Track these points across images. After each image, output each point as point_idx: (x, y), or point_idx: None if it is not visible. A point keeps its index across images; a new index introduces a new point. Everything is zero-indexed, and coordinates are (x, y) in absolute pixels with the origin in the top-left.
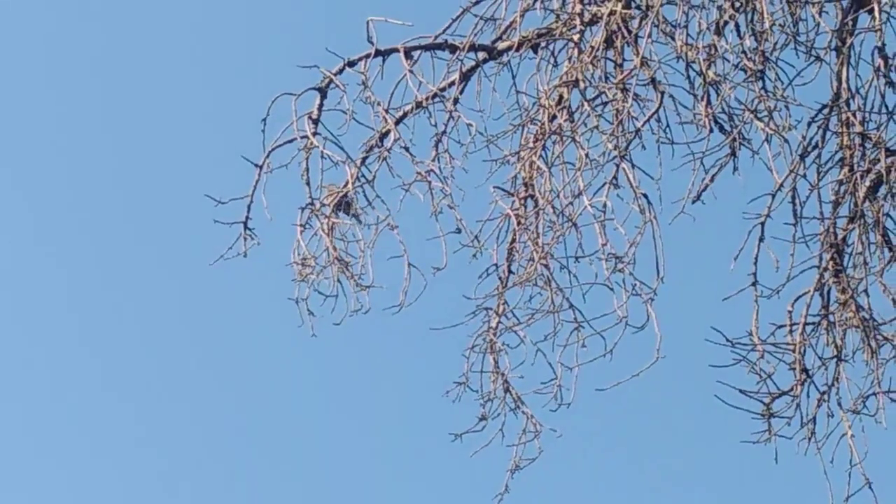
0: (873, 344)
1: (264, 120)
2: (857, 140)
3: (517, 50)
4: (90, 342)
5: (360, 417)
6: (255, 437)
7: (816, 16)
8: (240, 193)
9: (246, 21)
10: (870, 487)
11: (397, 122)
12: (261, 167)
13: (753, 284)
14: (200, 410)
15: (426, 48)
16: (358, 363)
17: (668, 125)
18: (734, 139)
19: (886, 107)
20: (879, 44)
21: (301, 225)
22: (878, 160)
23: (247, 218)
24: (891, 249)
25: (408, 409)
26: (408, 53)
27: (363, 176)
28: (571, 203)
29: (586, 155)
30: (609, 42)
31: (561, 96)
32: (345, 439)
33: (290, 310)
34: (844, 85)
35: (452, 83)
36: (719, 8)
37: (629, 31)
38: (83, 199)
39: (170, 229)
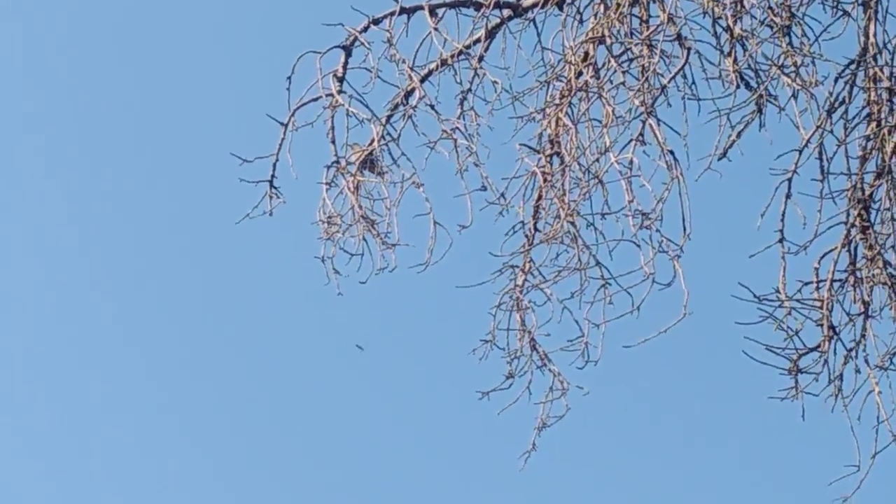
0: None
1: (289, 78)
2: (885, 95)
3: (542, 6)
4: (115, 304)
5: (386, 376)
6: (282, 398)
7: None
8: (265, 152)
9: None
10: None
11: (422, 80)
12: (286, 125)
13: (780, 241)
14: (227, 371)
15: (451, 5)
16: (384, 322)
17: (694, 81)
18: (760, 95)
19: None
20: None
21: (327, 183)
22: None
23: (272, 176)
24: None
25: (434, 367)
26: (432, 11)
27: (388, 134)
28: (598, 160)
29: (612, 111)
30: None
31: (587, 53)
32: (372, 399)
33: (316, 268)
34: (872, 40)
35: (477, 40)
36: None
37: None
38: (109, 161)
39: (196, 188)
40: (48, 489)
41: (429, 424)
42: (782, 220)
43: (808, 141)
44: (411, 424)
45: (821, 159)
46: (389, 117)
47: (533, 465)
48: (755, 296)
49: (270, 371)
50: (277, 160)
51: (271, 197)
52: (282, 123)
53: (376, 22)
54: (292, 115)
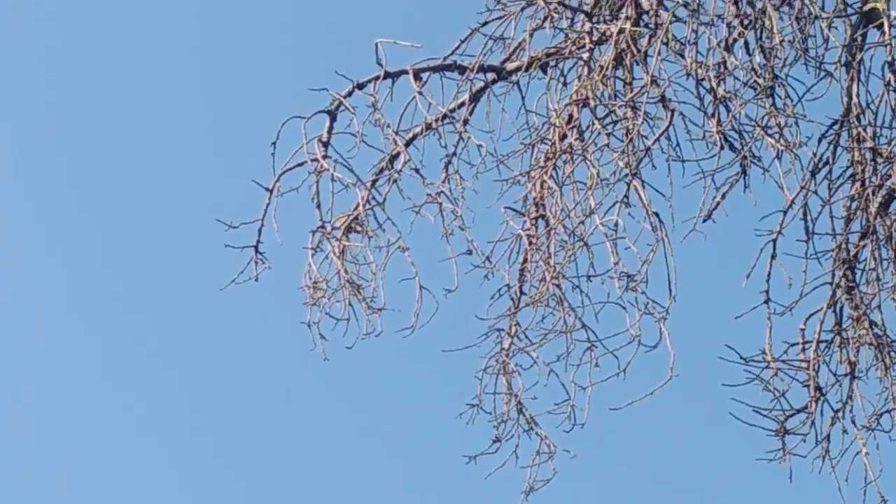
0: (887, 360)
1: (274, 143)
2: (868, 155)
3: (526, 70)
4: (103, 367)
5: (374, 441)
6: (271, 462)
7: (826, 31)
8: (250, 217)
9: (255, 44)
10: None
11: (407, 144)
12: (271, 191)
13: (766, 302)
14: (215, 435)
15: (435, 69)
16: (371, 386)
17: (678, 143)
18: (744, 156)
19: None
20: (889, 58)
21: (312, 248)
22: (890, 175)
23: (258, 242)
24: None
25: (421, 431)
26: (417, 75)
27: (373, 198)
28: (583, 222)
29: (597, 174)
30: (618, 60)
31: (571, 115)
32: (359, 463)
33: (302, 334)
34: (855, 100)
35: (462, 104)
36: (728, 25)
37: (638, 50)
38: (98, 224)
39: (181, 253)
40: None
41: (417, 489)
42: (768, 281)
43: (793, 201)
44: (400, 489)
45: (805, 220)
46: (374, 182)
47: None
48: (741, 357)
49: (259, 437)
50: (263, 225)
51: (256, 262)
52: (267, 189)
53: (361, 86)
54: (277, 180)
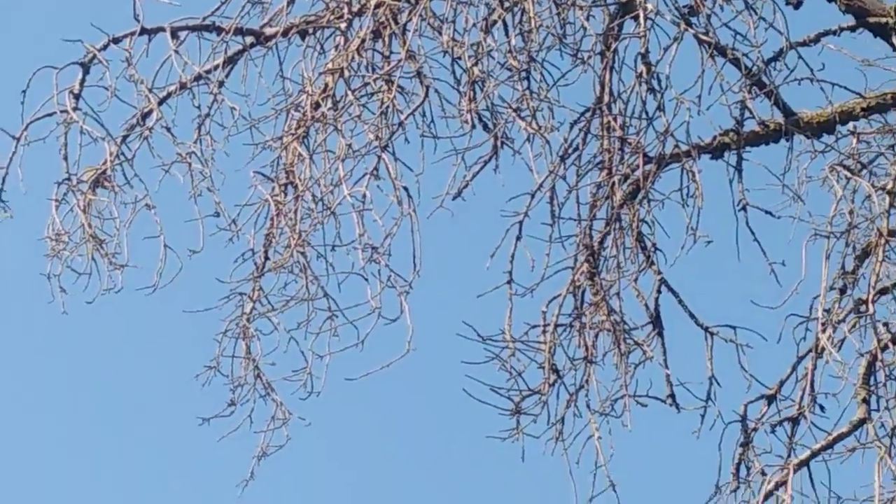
0: (623, 347)
1: (24, 92)
2: (617, 144)
3: (284, 35)
4: None
5: (109, 398)
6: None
7: (583, 19)
8: None
9: None
10: (613, 489)
11: (160, 102)
12: (18, 139)
13: (509, 282)
14: None
15: (193, 29)
16: (110, 343)
17: (432, 119)
18: (496, 137)
19: (647, 112)
20: (643, 50)
21: (56, 200)
22: (637, 165)
23: (1, 189)
24: (645, 255)
25: (157, 391)
26: (174, 33)
27: (123, 154)
28: (331, 192)
29: (349, 145)
30: (376, 33)
31: (326, 84)
32: (92, 419)
33: (41, 285)
34: (607, 89)
35: (217, 66)
36: (487, 5)
37: (397, 23)
38: None
39: None
40: None
41: (149, 449)
42: (511, 262)
43: (541, 185)
44: (131, 448)
45: (552, 204)
46: (125, 137)
47: (251, 494)
48: (480, 335)
49: None
50: (7, 174)
51: None
52: (14, 137)
53: (116, 41)
54: (25, 128)
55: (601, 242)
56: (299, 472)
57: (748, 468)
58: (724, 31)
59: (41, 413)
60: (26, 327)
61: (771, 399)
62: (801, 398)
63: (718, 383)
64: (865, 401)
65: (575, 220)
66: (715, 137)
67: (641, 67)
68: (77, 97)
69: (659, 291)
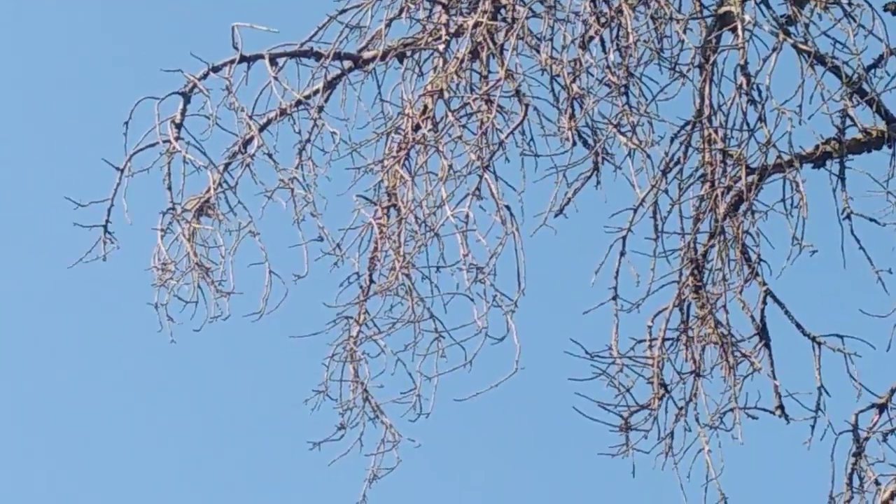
0: (731, 360)
1: (126, 123)
2: (719, 157)
3: (382, 59)
4: None
5: (219, 424)
6: (98, 446)
7: (681, 33)
8: (100, 196)
9: (111, 23)
10: (725, 502)
11: (261, 129)
12: (122, 171)
13: (614, 298)
14: (58, 413)
15: (291, 55)
16: (217, 370)
17: (532, 138)
18: (597, 153)
19: (748, 124)
20: (742, 62)
21: (162, 229)
22: (739, 177)
23: (107, 221)
24: (750, 266)
25: (267, 416)
26: (273, 60)
27: (225, 182)
28: (434, 213)
29: (450, 166)
30: (474, 53)
31: (425, 106)
32: (203, 446)
33: (149, 315)
34: (707, 101)
35: (317, 91)
36: (584, 22)
37: (494, 43)
38: None
39: (30, 231)
40: None
41: (260, 474)
42: (616, 278)
43: (643, 200)
44: (243, 473)
45: (655, 218)
46: (227, 165)
47: None
48: (587, 352)
49: (100, 416)
50: (112, 205)
51: (105, 242)
52: (117, 168)
53: (216, 69)
54: (129, 160)
55: (705, 255)
56: (411, 494)
57: (861, 478)
58: (823, 39)
59: (152, 443)
60: (136, 357)
61: (882, 408)
62: None
63: (828, 393)
64: None
65: (678, 233)
66: (817, 146)
67: (741, 79)
68: (179, 127)
69: (765, 303)
